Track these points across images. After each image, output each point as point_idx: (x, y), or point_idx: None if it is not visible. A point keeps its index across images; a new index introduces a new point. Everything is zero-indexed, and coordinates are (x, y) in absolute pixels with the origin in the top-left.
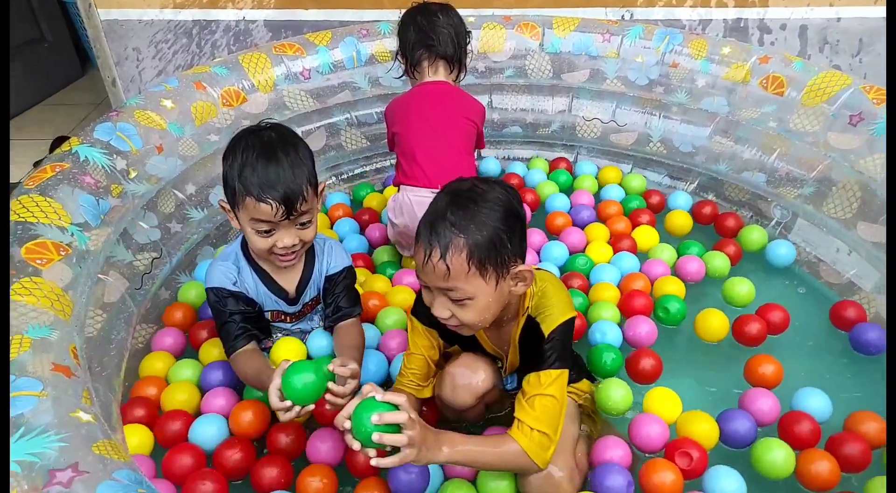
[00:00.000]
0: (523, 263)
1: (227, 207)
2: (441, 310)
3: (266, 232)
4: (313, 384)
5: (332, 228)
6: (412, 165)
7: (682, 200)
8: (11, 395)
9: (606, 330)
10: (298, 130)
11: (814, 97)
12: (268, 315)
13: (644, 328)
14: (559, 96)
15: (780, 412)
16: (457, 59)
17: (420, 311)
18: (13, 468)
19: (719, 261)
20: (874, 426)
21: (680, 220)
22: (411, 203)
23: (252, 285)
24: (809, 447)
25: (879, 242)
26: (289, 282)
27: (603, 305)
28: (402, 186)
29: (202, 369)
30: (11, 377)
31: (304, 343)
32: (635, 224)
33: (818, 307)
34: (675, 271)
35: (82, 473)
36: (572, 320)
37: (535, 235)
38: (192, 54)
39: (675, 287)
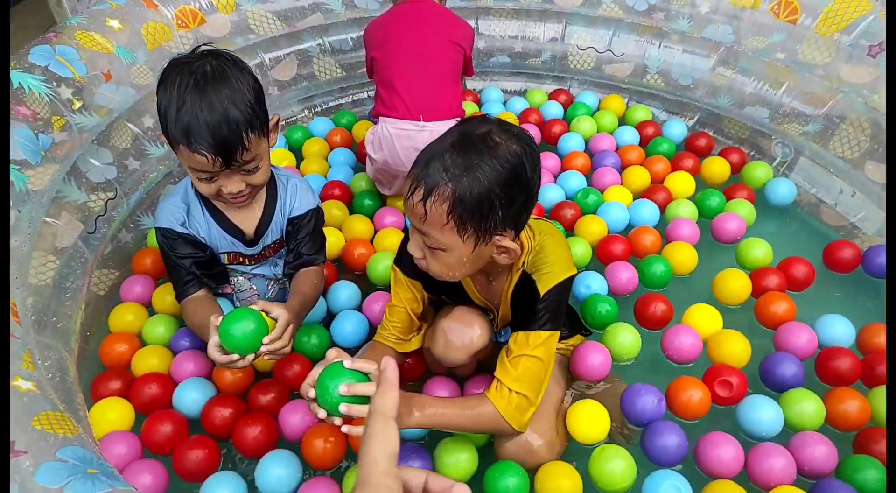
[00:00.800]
0: (516, 235)
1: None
2: (414, 248)
3: (208, 179)
4: (253, 332)
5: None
6: (391, 95)
7: (676, 130)
8: None
9: (591, 283)
10: (265, 58)
11: (829, 25)
12: (223, 258)
13: (625, 275)
14: (550, 22)
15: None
16: None
17: (403, 260)
18: None
19: (745, 210)
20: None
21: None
22: (391, 136)
23: (204, 226)
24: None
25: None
26: (246, 222)
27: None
28: (381, 118)
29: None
30: None
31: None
32: (675, 168)
33: (818, 249)
34: (712, 231)
35: (19, 454)
36: (571, 278)
37: (549, 160)
38: None
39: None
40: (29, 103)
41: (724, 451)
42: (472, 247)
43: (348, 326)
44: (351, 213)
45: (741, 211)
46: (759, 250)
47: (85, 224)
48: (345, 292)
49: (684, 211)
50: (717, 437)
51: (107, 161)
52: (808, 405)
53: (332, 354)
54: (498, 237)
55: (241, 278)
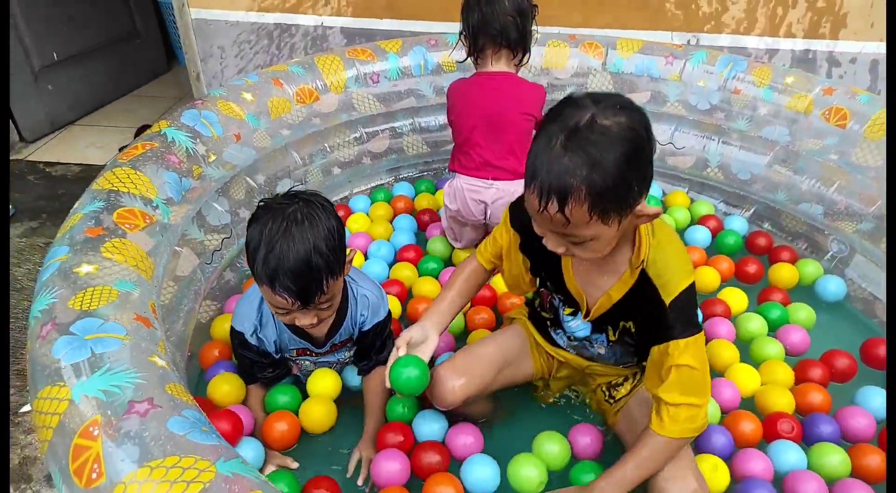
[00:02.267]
0: (647, 193)
1: None
2: (555, 245)
3: (285, 313)
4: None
5: (392, 222)
6: (466, 157)
7: (737, 224)
8: (97, 336)
9: None
10: (363, 132)
11: (877, 131)
12: (293, 353)
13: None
14: None
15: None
16: (521, 45)
17: (516, 210)
18: (97, 395)
19: (804, 314)
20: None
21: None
22: (463, 190)
23: (275, 332)
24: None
25: None
26: (317, 331)
27: None
28: (455, 174)
29: None
30: (98, 322)
31: (339, 374)
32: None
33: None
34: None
35: (157, 407)
36: (693, 284)
37: None
38: (271, 55)
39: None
40: (177, 154)
41: None
42: (617, 226)
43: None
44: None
45: (801, 316)
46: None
47: (201, 257)
48: None
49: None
50: None
51: (225, 208)
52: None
53: (401, 342)
54: (638, 208)
55: (307, 362)
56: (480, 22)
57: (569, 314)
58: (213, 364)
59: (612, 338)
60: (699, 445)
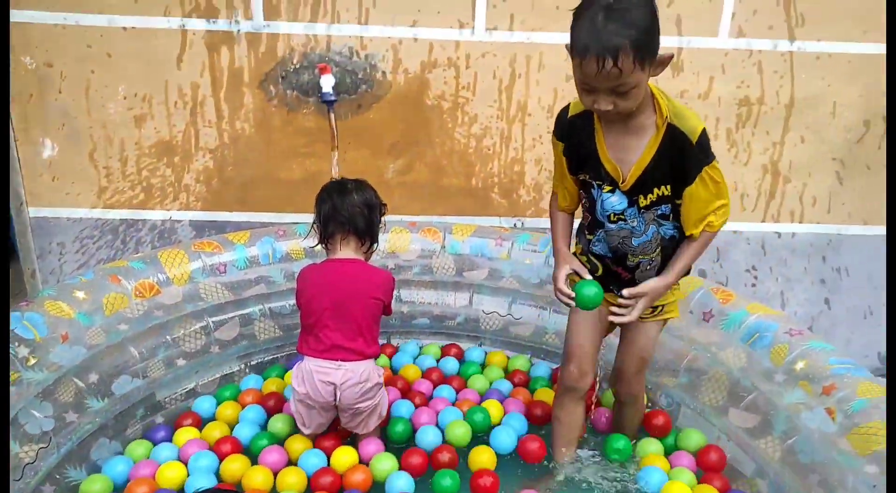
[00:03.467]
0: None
1: None
2: (605, 104)
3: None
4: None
5: (241, 412)
6: (314, 339)
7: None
8: None
9: None
10: (211, 321)
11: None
12: None
13: None
14: (461, 292)
15: None
16: (369, 234)
17: (556, 127)
18: None
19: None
20: None
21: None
22: (312, 372)
23: None
24: None
25: (749, 428)
26: None
27: None
28: (303, 356)
29: None
30: None
31: None
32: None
33: None
34: None
35: None
36: (705, 127)
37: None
38: (115, 250)
39: None
40: None
41: None
42: (649, 71)
43: None
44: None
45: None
46: None
47: (11, 473)
48: None
49: None
50: None
51: (47, 414)
52: None
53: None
54: (659, 56)
55: None
56: (331, 210)
57: (608, 192)
58: None
59: (643, 204)
60: None
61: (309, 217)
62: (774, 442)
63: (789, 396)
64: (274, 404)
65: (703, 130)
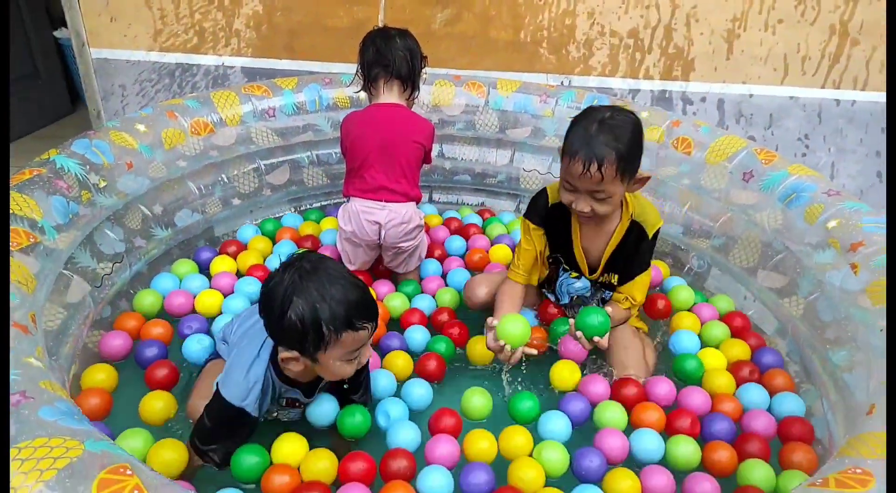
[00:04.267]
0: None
1: (292, 355)
2: (583, 205)
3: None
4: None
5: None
6: (360, 181)
7: None
8: None
9: None
10: (262, 164)
11: (716, 157)
12: (280, 405)
13: None
14: (503, 149)
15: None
16: (411, 80)
17: (531, 215)
18: None
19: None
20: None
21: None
22: (358, 212)
23: (269, 392)
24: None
25: (775, 288)
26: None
27: None
28: (350, 198)
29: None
30: None
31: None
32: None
33: None
34: None
35: (29, 398)
36: (660, 228)
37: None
38: (173, 93)
39: None
40: (65, 179)
41: None
42: (626, 185)
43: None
44: None
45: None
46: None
47: (92, 283)
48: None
49: None
50: None
51: (119, 237)
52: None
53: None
54: (639, 173)
55: (289, 414)
56: (375, 54)
57: (574, 277)
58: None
59: (601, 281)
60: None
61: (355, 68)
62: (798, 301)
63: (819, 256)
64: (311, 245)
65: (658, 230)
